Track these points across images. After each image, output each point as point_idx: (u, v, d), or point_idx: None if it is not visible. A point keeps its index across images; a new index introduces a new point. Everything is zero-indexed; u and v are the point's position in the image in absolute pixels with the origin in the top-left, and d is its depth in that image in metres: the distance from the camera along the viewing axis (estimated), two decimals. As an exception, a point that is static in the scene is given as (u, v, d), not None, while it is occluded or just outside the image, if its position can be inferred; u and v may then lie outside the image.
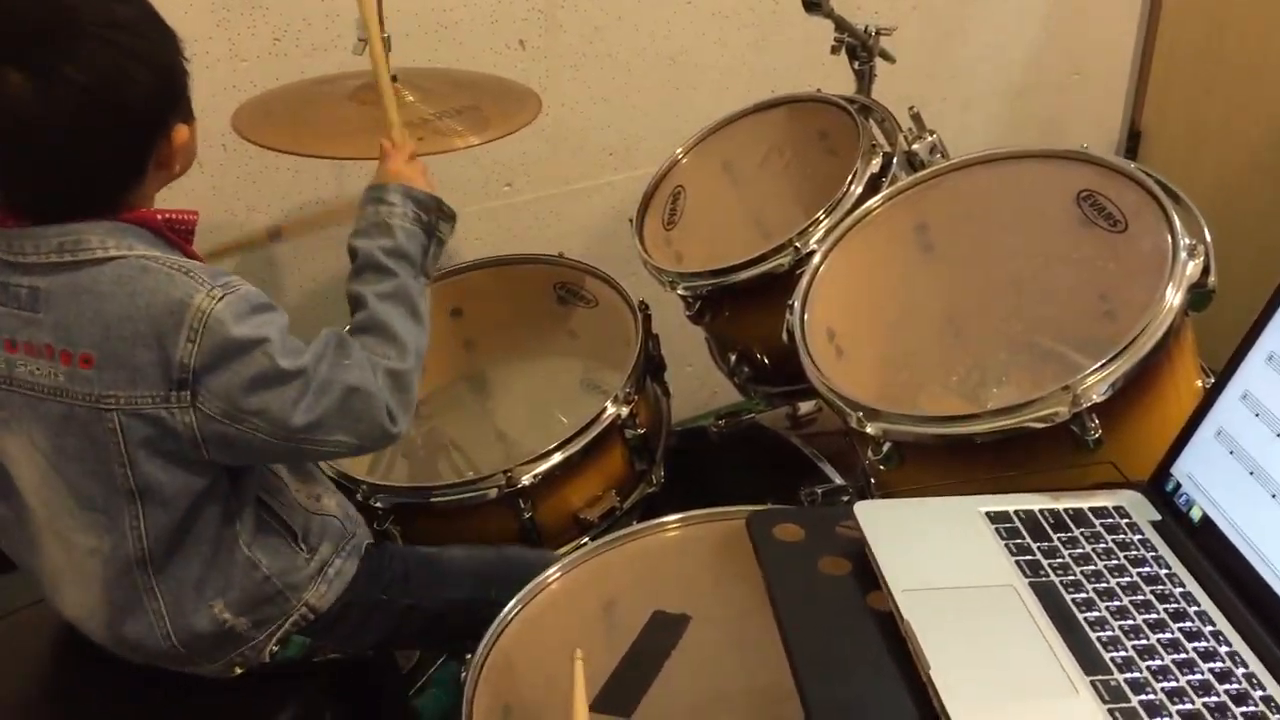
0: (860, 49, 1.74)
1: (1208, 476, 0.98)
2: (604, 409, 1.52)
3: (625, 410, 1.53)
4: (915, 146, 1.55)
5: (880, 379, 1.43)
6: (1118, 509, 1.02)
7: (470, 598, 1.34)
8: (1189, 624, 0.88)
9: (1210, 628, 0.88)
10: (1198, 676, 0.83)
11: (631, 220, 1.75)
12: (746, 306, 1.58)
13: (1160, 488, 1.03)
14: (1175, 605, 0.90)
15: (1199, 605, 0.90)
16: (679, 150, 1.80)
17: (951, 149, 1.57)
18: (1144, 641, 0.86)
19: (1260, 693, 0.82)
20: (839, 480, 1.63)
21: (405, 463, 1.79)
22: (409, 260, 1.25)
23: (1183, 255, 1.12)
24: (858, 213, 1.43)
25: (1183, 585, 0.93)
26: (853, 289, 1.41)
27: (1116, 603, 0.90)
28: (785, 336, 1.33)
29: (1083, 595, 0.91)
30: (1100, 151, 1.29)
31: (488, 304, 1.86)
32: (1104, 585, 0.92)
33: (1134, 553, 0.96)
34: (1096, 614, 0.89)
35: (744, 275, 1.51)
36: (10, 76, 0.99)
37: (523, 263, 1.85)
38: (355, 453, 1.20)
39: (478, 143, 1.49)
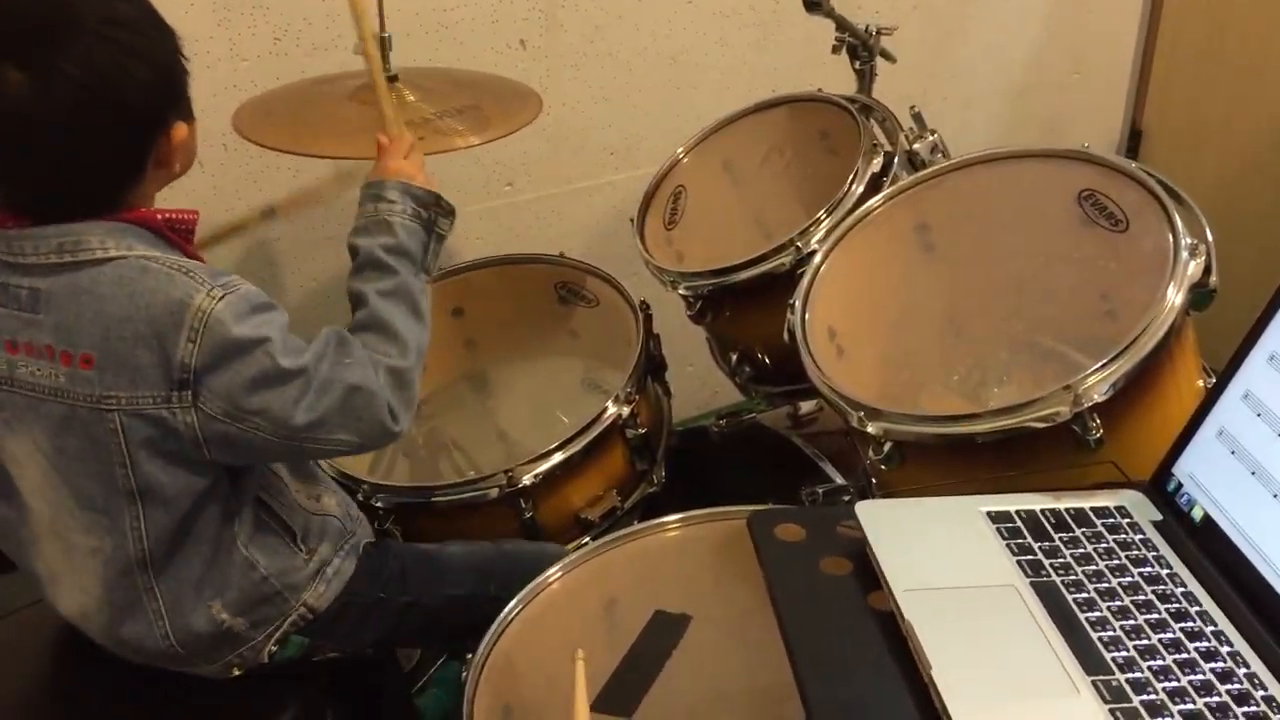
0: (861, 48, 1.74)
1: (1209, 476, 0.98)
2: (605, 409, 1.52)
3: (626, 410, 1.53)
4: (916, 146, 1.55)
5: (881, 378, 1.43)
6: (1119, 509, 1.01)
7: (469, 594, 1.34)
8: (1190, 624, 0.88)
9: (1212, 628, 0.88)
10: (1199, 676, 0.83)
11: (632, 220, 1.75)
12: (747, 306, 1.57)
13: (1162, 487, 1.03)
14: (1177, 605, 0.90)
15: (1200, 605, 0.90)
16: (680, 150, 1.80)
17: (952, 148, 1.57)
18: (1145, 641, 0.86)
19: (1262, 693, 0.82)
20: (840, 480, 1.63)
21: (406, 462, 1.79)
22: (410, 258, 1.25)
23: (1184, 255, 1.12)
24: (859, 212, 1.43)
25: (1184, 585, 0.92)
26: (854, 288, 1.41)
27: (1118, 602, 0.90)
28: (786, 336, 1.33)
29: (1084, 595, 0.91)
30: (1101, 151, 1.29)
31: (489, 303, 1.86)
32: (1105, 585, 0.92)
33: (1135, 552, 0.96)
34: (1098, 614, 0.89)
35: (745, 275, 1.51)
36: (9, 74, 0.99)
37: (524, 262, 1.85)
38: (357, 451, 1.19)
39: (479, 142, 1.49)
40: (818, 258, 1.40)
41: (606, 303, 1.76)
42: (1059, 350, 1.39)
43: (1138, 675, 0.83)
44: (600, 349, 1.80)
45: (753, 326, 1.60)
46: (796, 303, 1.35)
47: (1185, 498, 1.00)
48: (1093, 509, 1.01)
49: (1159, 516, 1.01)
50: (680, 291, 1.61)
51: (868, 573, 0.94)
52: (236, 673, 1.26)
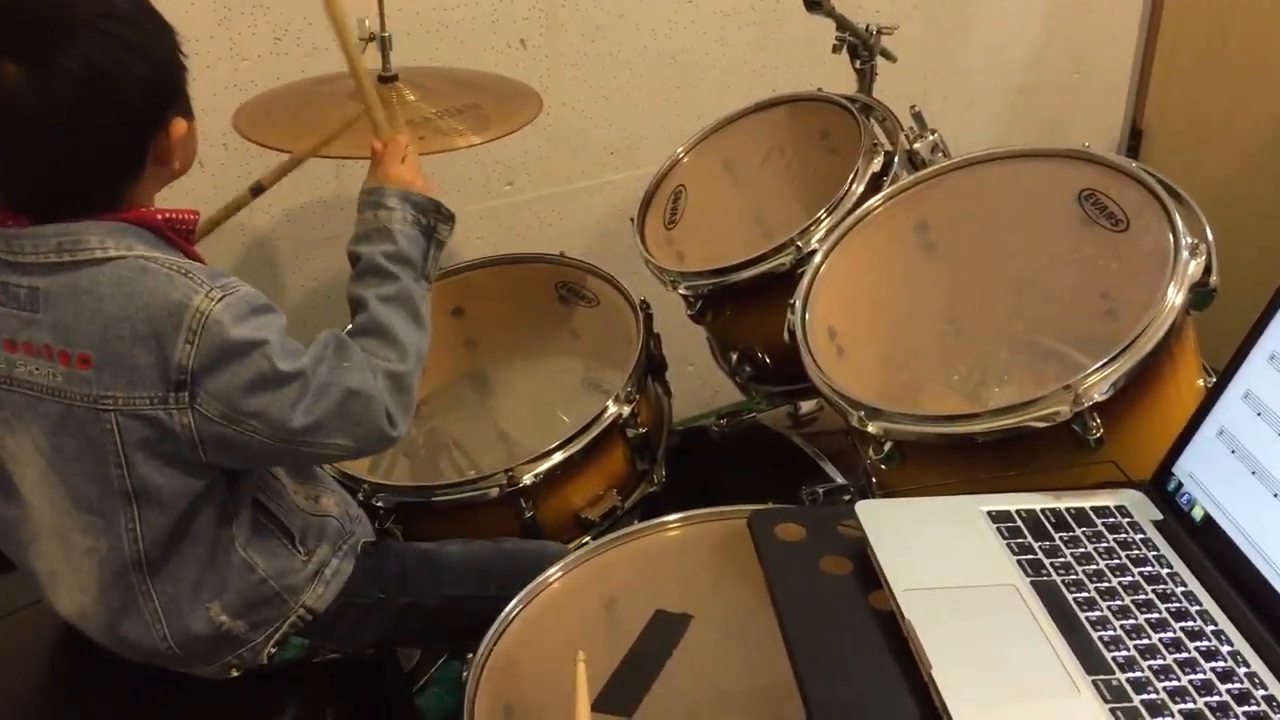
0: (861, 48, 1.74)
1: (1209, 476, 0.98)
2: (605, 408, 1.52)
3: (627, 409, 1.53)
4: (917, 145, 1.55)
5: (881, 378, 1.43)
6: (1119, 508, 1.01)
7: (469, 594, 1.34)
8: (1191, 623, 0.88)
9: (1212, 627, 0.88)
10: (1200, 676, 0.83)
11: (633, 219, 1.75)
12: (748, 306, 1.57)
13: (1162, 487, 1.03)
14: (1177, 604, 0.90)
15: (1201, 604, 0.90)
16: (680, 149, 1.80)
17: (953, 148, 1.57)
18: (1146, 641, 0.86)
19: (1262, 692, 0.82)
20: (840, 479, 1.63)
21: (407, 462, 1.78)
22: (410, 264, 1.25)
23: (1184, 254, 1.12)
24: (859, 212, 1.43)
25: (1184, 584, 0.92)
26: (854, 288, 1.41)
27: (1118, 602, 0.90)
28: (786, 336, 1.33)
29: (1084, 594, 0.91)
30: (1102, 150, 1.29)
31: (489, 303, 1.86)
32: (1106, 584, 0.92)
33: (1136, 552, 0.96)
34: (1098, 613, 0.89)
35: (745, 274, 1.51)
36: (7, 69, 0.98)
37: (524, 262, 1.85)
38: (354, 456, 1.19)
39: (479, 142, 1.49)
40: (818, 257, 1.40)
41: (607, 302, 1.76)
42: (1059, 350, 1.39)
43: (1138, 674, 0.83)
44: (601, 348, 1.80)
45: (753, 326, 1.60)
46: (797, 302, 1.35)
47: (1185, 497, 1.00)
48: (1093, 508, 1.01)
49: (1159, 516, 1.01)
50: (680, 291, 1.61)
51: (868, 572, 0.94)
52: (235, 674, 1.26)
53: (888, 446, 1.18)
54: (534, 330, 1.87)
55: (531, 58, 2.01)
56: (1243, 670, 0.84)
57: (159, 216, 1.11)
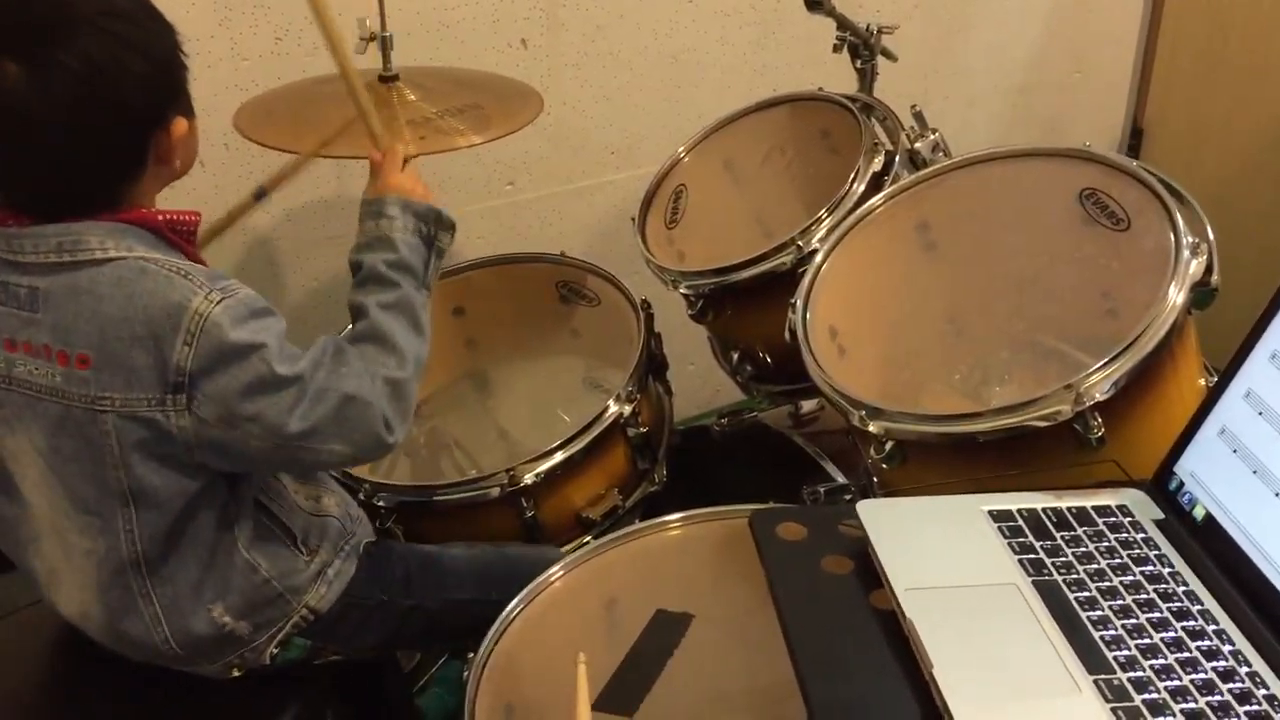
0: (862, 47, 1.74)
1: (1211, 475, 0.98)
2: (606, 408, 1.52)
3: (627, 409, 1.53)
4: (917, 145, 1.55)
5: (883, 377, 1.43)
6: (1121, 508, 1.01)
7: (472, 598, 1.34)
8: (1192, 623, 0.88)
9: (1213, 626, 0.88)
10: (1201, 675, 0.83)
11: (634, 219, 1.75)
12: (748, 305, 1.57)
13: (1163, 486, 1.03)
14: (1178, 604, 0.90)
15: (1202, 604, 0.90)
16: (681, 149, 1.80)
17: (953, 147, 1.57)
18: (1147, 640, 0.86)
19: (1264, 691, 0.82)
20: (841, 479, 1.63)
21: (408, 461, 1.78)
22: (411, 272, 1.25)
23: (1185, 253, 1.12)
24: (860, 211, 1.43)
25: (1186, 584, 0.92)
26: (855, 288, 1.41)
27: (1119, 601, 0.90)
28: (787, 335, 1.33)
29: (1086, 594, 0.91)
30: (1103, 150, 1.29)
31: (490, 303, 1.86)
32: (1107, 584, 0.92)
33: (1137, 551, 0.96)
34: (1099, 613, 0.89)
35: (746, 274, 1.51)
36: (7, 68, 0.98)
37: (525, 261, 1.85)
38: (351, 463, 1.19)
39: (480, 141, 1.49)
40: (819, 257, 1.40)
41: (608, 302, 1.76)
42: (1060, 349, 1.39)
43: (1139, 674, 0.83)
44: (601, 348, 1.80)
45: (754, 325, 1.60)
46: (798, 302, 1.35)
47: (1187, 496, 1.00)
48: (1094, 508, 1.01)
49: (1161, 515, 1.01)
50: (681, 290, 1.61)
51: (869, 572, 0.94)
52: (236, 673, 1.26)
53: (889, 446, 1.18)
54: (535, 330, 1.88)
55: (532, 57, 2.01)
56: (1244, 670, 0.83)
57: (160, 218, 1.11)
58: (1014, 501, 1.01)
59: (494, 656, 1.09)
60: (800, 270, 1.41)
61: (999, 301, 1.44)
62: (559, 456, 1.47)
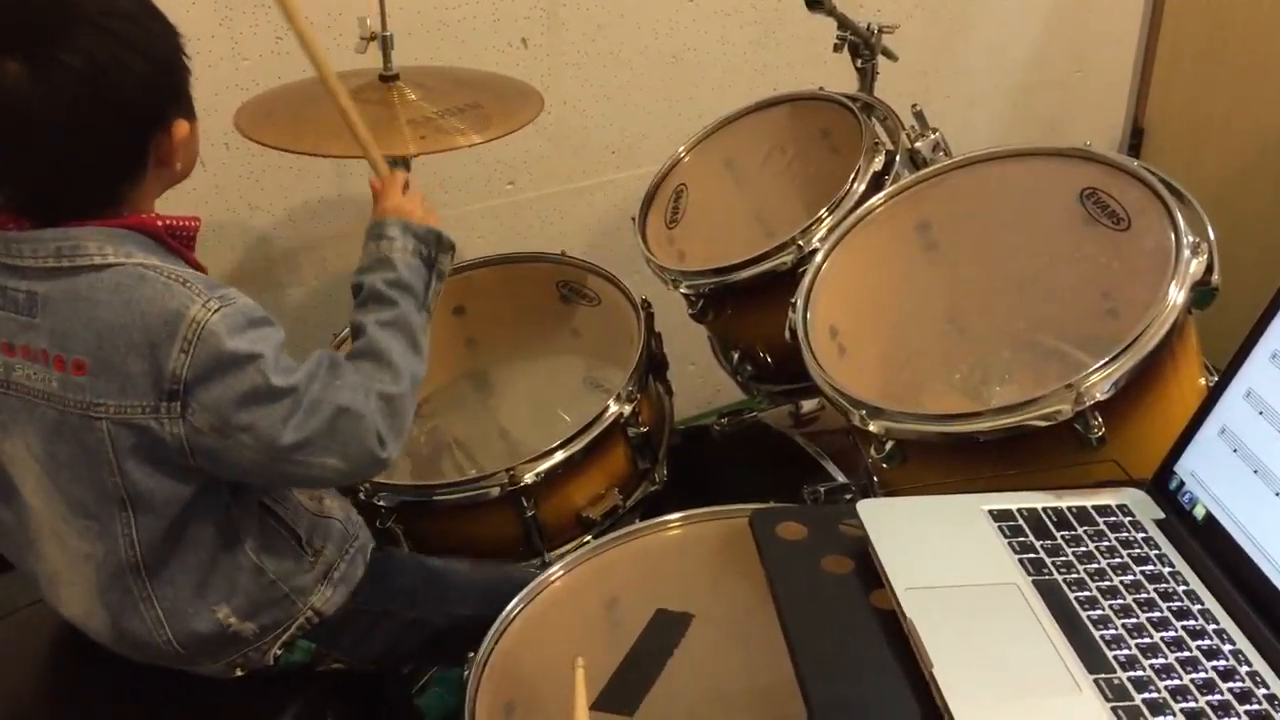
0: (863, 47, 1.74)
1: (1211, 474, 0.98)
2: (606, 407, 1.52)
3: (628, 408, 1.53)
4: (918, 144, 1.55)
5: (883, 377, 1.43)
6: (1121, 507, 1.01)
7: (475, 614, 1.33)
8: (1192, 622, 0.88)
9: (1214, 626, 0.88)
10: (1201, 675, 0.83)
11: (634, 218, 1.75)
12: (749, 305, 1.57)
13: (1164, 486, 1.03)
14: (1179, 603, 0.90)
15: (1202, 603, 0.90)
16: (681, 148, 1.80)
17: (954, 147, 1.57)
18: (1147, 639, 0.86)
19: (1264, 690, 0.82)
20: (842, 478, 1.63)
21: (408, 461, 1.78)
22: (411, 292, 1.24)
23: (1186, 253, 1.12)
24: (860, 211, 1.43)
25: (1186, 583, 0.92)
26: (855, 287, 1.41)
27: (1120, 601, 0.90)
28: (788, 335, 1.33)
29: (1086, 593, 0.91)
30: (1103, 149, 1.29)
31: (490, 302, 1.86)
32: (1107, 583, 0.92)
33: (1137, 551, 0.96)
34: (1100, 612, 0.89)
35: (746, 274, 1.51)
36: (8, 68, 0.98)
37: (525, 261, 1.85)
38: (345, 479, 1.17)
39: (480, 141, 1.49)
40: (819, 256, 1.40)
41: (608, 301, 1.76)
42: (1061, 349, 1.39)
43: (1140, 673, 0.83)
44: (602, 348, 1.80)
45: (754, 325, 1.60)
46: (798, 301, 1.35)
47: (1187, 496, 1.00)
48: (1094, 507, 1.01)
49: (1161, 515, 1.01)
50: (682, 290, 1.61)
51: (869, 571, 0.94)
52: (239, 673, 1.26)
53: (889, 445, 1.18)
54: (535, 329, 1.88)
55: (533, 57, 2.01)
56: (1244, 669, 0.83)
57: (159, 223, 1.10)
58: (1014, 501, 1.01)
59: (494, 656, 1.09)
60: (800, 270, 1.41)
61: (999, 301, 1.44)
62: (559, 456, 1.47)
